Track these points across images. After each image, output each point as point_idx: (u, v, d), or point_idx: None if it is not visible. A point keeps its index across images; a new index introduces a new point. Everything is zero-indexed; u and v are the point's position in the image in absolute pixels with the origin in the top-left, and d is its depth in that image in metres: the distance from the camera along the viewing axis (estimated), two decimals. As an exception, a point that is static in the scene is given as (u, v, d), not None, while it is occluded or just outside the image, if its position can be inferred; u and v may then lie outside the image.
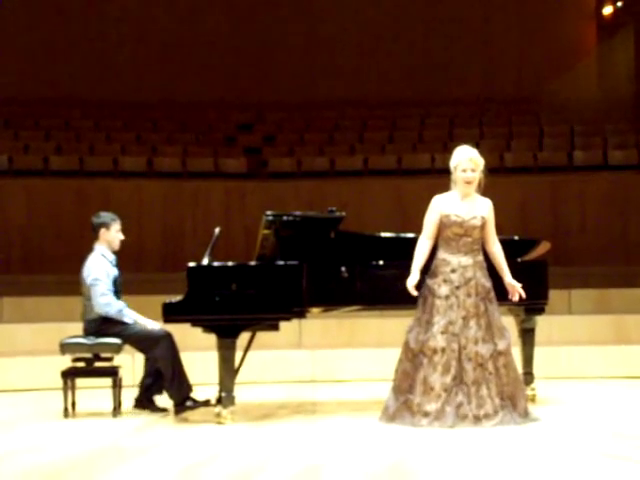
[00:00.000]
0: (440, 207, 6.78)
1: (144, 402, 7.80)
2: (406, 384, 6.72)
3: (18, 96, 16.64)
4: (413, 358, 6.72)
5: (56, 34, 17.30)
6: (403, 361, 6.81)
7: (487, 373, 6.62)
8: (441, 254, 6.80)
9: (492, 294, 6.78)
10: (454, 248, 6.77)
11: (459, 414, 6.52)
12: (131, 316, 7.57)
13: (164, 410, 7.68)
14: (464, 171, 6.74)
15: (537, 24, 17.94)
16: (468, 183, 6.75)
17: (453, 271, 6.72)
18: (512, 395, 6.69)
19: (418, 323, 6.77)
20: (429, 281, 6.79)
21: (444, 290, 6.71)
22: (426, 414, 6.55)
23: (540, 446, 5.85)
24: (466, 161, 6.74)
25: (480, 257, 6.81)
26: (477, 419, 6.52)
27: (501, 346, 6.69)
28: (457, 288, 6.69)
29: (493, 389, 6.61)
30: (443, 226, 6.77)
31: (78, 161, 14.79)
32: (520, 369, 7.74)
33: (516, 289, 6.81)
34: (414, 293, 6.67)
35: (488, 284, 6.78)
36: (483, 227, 6.79)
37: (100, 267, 7.59)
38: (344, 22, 17.98)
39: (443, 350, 6.61)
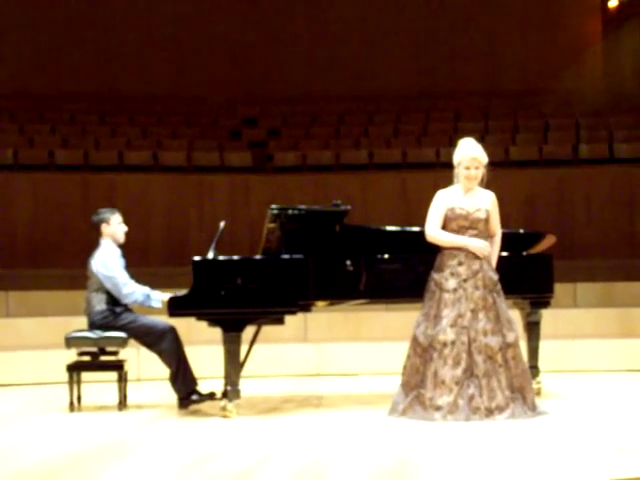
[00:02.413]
0: (445, 200, 6.81)
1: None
2: (416, 379, 6.71)
3: (23, 90, 16.64)
4: (423, 353, 6.71)
5: (61, 28, 17.29)
6: (412, 356, 6.80)
7: (497, 365, 6.63)
8: (447, 247, 6.80)
9: (499, 286, 6.79)
10: (461, 241, 6.79)
11: (471, 407, 6.52)
12: (159, 298, 7.50)
13: (212, 395, 7.56)
14: (467, 168, 6.80)
15: (542, 17, 17.90)
16: (470, 180, 6.79)
17: (460, 264, 6.73)
18: (521, 387, 6.69)
19: (426, 318, 6.77)
20: (436, 275, 6.79)
21: (452, 283, 6.71)
22: (438, 408, 6.54)
23: (547, 440, 5.85)
24: (469, 160, 6.79)
25: (486, 249, 6.83)
26: (489, 411, 6.52)
27: (510, 338, 6.70)
28: (465, 281, 6.70)
29: (503, 381, 6.61)
30: (448, 220, 6.80)
31: (83, 155, 14.78)
32: (526, 362, 7.75)
33: None
34: (488, 248, 6.73)
35: (495, 277, 6.79)
36: (487, 220, 6.82)
37: (113, 258, 7.59)
38: (349, 15, 17.95)
39: (453, 343, 6.61)
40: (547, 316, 8.28)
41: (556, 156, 15.04)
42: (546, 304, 7.94)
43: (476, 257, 6.74)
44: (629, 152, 14.97)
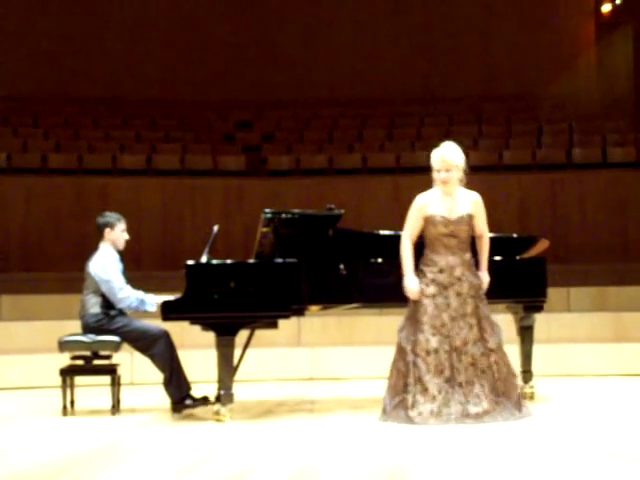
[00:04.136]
0: (424, 207, 6.75)
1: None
2: (401, 383, 6.70)
3: (17, 94, 16.63)
4: (406, 357, 6.70)
5: (55, 31, 17.29)
6: (397, 360, 6.79)
7: (479, 371, 6.62)
8: (428, 254, 6.78)
9: (482, 292, 6.76)
10: (441, 247, 6.74)
11: (457, 413, 6.51)
12: (153, 302, 7.46)
13: (205, 399, 7.57)
14: (438, 172, 6.76)
15: (536, 21, 17.94)
16: (444, 183, 6.74)
17: (441, 271, 6.70)
18: (506, 391, 6.67)
19: (408, 323, 6.77)
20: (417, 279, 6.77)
21: (432, 290, 6.69)
22: (421, 414, 6.52)
23: (540, 444, 5.85)
24: (438, 162, 6.76)
25: (468, 255, 6.79)
26: (478, 416, 6.51)
27: (492, 344, 6.68)
28: (445, 288, 6.68)
29: (486, 386, 6.60)
30: (428, 226, 6.75)
31: (77, 159, 14.78)
32: (519, 367, 7.77)
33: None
34: (417, 296, 6.67)
35: (477, 281, 6.76)
36: (470, 225, 6.77)
37: (111, 262, 7.59)
38: (343, 20, 17.98)
39: (436, 351, 6.60)
40: (540, 320, 8.28)
41: (549, 160, 15.07)
42: (539, 308, 7.94)
43: (457, 264, 6.71)
44: (622, 156, 15.00)
